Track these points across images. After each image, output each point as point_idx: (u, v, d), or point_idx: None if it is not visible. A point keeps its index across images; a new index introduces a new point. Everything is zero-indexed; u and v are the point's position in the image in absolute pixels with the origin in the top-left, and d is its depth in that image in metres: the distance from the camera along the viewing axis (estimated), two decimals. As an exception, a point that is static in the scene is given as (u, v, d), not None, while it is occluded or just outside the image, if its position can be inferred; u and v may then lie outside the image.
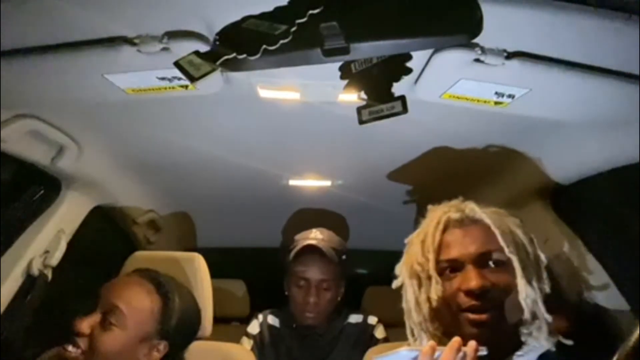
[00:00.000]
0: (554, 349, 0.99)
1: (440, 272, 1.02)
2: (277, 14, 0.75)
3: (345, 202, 2.19)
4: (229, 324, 2.43)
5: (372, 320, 1.91)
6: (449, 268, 1.02)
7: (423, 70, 1.04)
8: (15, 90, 1.05)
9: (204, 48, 0.89)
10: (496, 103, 1.13)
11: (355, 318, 1.92)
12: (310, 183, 2.00)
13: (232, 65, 0.74)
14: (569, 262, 1.49)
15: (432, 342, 0.83)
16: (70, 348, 1.09)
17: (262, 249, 2.59)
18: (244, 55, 0.71)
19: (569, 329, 1.17)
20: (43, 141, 1.32)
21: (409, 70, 0.94)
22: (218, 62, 0.74)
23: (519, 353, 0.98)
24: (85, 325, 1.10)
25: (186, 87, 1.08)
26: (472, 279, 0.97)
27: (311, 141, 1.57)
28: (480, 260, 1.00)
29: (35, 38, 0.91)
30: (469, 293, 0.97)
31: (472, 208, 1.07)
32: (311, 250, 1.82)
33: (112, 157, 1.60)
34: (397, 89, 0.97)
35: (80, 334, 1.10)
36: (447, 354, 0.81)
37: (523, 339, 0.99)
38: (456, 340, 0.82)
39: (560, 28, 0.87)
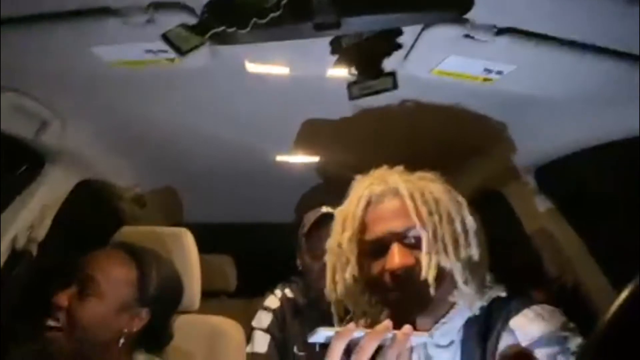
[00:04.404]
0: (478, 312, 0.97)
1: (365, 252, 1.00)
2: (267, -14, 0.74)
3: (333, 178, 2.20)
4: (216, 298, 2.45)
5: None
6: (373, 250, 0.99)
7: (413, 45, 1.03)
8: (-4, 63, 1.02)
9: (190, 20, 0.87)
10: (485, 79, 1.14)
11: None
12: (297, 159, 2.00)
13: (222, 39, 0.73)
14: (551, 237, 1.53)
15: (349, 326, 0.77)
16: (50, 322, 1.09)
17: (249, 224, 2.60)
18: (234, 29, 0.70)
19: (549, 302, 1.20)
20: (26, 115, 1.30)
21: (399, 46, 0.94)
22: (207, 35, 0.72)
23: (443, 320, 0.97)
24: (63, 298, 1.10)
25: (172, 60, 1.06)
26: (393, 259, 0.94)
27: (299, 117, 1.57)
28: (405, 237, 0.96)
29: (17, 9, 0.88)
30: (392, 273, 0.94)
31: (394, 179, 1.02)
32: (326, 221, 1.83)
33: (96, 132, 1.57)
34: (387, 64, 0.97)
35: (58, 307, 1.09)
36: (370, 337, 0.75)
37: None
38: (384, 324, 0.77)
39: (551, 4, 0.87)
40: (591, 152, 1.36)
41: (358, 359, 0.75)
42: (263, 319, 1.85)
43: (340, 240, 1.03)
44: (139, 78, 1.25)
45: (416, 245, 0.95)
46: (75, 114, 1.43)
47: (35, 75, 1.17)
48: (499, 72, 1.10)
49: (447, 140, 1.67)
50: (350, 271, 1.00)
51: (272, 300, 1.91)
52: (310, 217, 1.88)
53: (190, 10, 0.89)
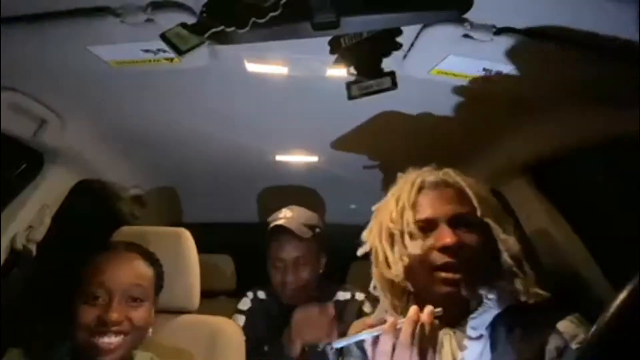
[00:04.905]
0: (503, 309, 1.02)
1: (411, 233, 1.04)
2: (266, -14, 0.74)
3: (333, 178, 2.19)
4: (216, 298, 2.45)
5: (360, 296, 1.91)
6: (422, 228, 1.04)
7: (412, 45, 1.03)
8: (-6, 62, 1.02)
9: (189, 19, 0.87)
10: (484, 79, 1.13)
11: (343, 295, 1.93)
12: (297, 159, 2.00)
13: (221, 38, 0.73)
14: (550, 237, 1.53)
15: (393, 319, 0.82)
16: (113, 339, 1.13)
17: (249, 224, 2.60)
18: (233, 28, 0.70)
19: (547, 301, 1.20)
20: (25, 115, 1.29)
21: (398, 45, 0.93)
22: (206, 35, 0.72)
23: (472, 315, 1.02)
24: (117, 313, 1.15)
25: (171, 60, 1.06)
26: (446, 236, 0.99)
27: (299, 116, 1.56)
28: (454, 221, 1.02)
29: (15, 8, 0.88)
30: (443, 249, 0.99)
31: (446, 172, 1.10)
32: (281, 230, 1.83)
33: (96, 131, 1.57)
34: (386, 64, 0.96)
35: (118, 322, 1.15)
36: (407, 327, 0.81)
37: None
38: (413, 310, 0.82)
39: (550, 4, 0.86)
40: (591, 152, 1.35)
41: (403, 350, 0.80)
42: (237, 322, 1.86)
43: (396, 220, 1.07)
44: (137, 78, 1.24)
45: (463, 231, 1.01)
46: (75, 114, 1.42)
47: (34, 74, 1.16)
48: (498, 72, 1.10)
49: (447, 140, 1.67)
50: (413, 246, 1.03)
51: (244, 302, 1.95)
52: (269, 223, 1.88)
53: (189, 9, 0.89)
